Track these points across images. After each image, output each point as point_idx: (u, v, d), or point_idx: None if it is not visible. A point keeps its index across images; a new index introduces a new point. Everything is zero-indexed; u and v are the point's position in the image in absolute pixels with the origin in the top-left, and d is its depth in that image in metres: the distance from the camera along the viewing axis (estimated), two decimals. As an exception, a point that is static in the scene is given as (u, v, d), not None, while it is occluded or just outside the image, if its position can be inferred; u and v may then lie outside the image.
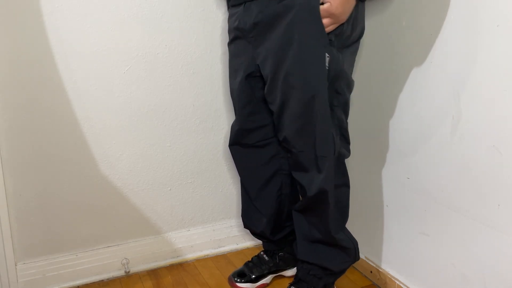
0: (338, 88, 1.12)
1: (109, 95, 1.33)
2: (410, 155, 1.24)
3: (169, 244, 1.53)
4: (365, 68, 1.37)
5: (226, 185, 1.59)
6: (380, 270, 1.39)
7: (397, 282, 1.32)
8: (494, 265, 1.03)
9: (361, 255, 1.48)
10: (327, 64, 1.06)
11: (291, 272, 1.44)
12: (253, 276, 1.40)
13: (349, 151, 1.23)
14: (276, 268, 1.43)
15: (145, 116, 1.40)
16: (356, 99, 1.42)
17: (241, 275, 1.41)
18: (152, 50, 1.35)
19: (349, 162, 1.47)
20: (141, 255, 1.50)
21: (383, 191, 1.36)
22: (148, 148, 1.43)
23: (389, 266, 1.37)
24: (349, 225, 1.53)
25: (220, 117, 1.51)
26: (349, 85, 1.16)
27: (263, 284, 1.41)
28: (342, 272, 1.29)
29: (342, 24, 1.06)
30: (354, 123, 1.45)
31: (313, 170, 1.15)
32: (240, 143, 1.32)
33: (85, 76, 1.29)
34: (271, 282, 1.44)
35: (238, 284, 1.39)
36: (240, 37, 1.19)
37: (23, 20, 1.19)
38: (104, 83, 1.32)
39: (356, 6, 1.07)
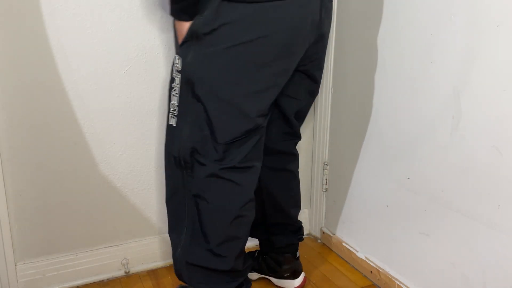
0: (196, 93, 1.02)
1: (109, 95, 1.33)
2: (410, 155, 1.24)
3: (169, 244, 1.52)
4: (365, 68, 1.37)
5: (226, 185, 1.59)
6: (380, 270, 1.39)
7: (397, 282, 1.32)
8: (494, 265, 1.03)
9: (361, 255, 1.48)
10: (179, 66, 1.02)
11: (278, 283, 1.41)
12: None
13: (201, 163, 1.06)
14: (259, 268, 1.42)
15: (145, 116, 1.40)
16: (356, 99, 1.42)
17: None
18: (152, 50, 1.35)
19: (350, 163, 1.47)
20: (141, 255, 1.50)
21: (383, 191, 1.36)
22: (148, 148, 1.43)
23: (389, 266, 1.37)
24: (349, 225, 1.53)
25: (220, 117, 1.51)
26: (212, 90, 1.01)
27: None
28: None
29: (195, 23, 0.99)
30: (354, 123, 1.45)
31: None
32: None
33: (85, 76, 1.29)
34: (257, 280, 1.44)
35: None
36: None
37: (23, 20, 1.19)
38: (104, 83, 1.32)
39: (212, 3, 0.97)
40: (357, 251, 1.50)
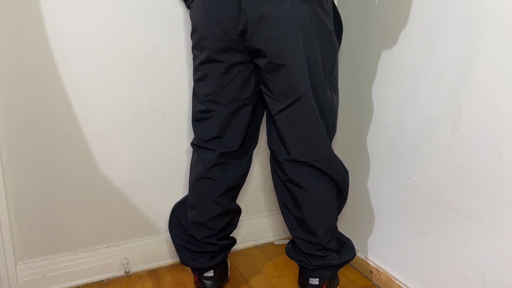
0: None
1: (109, 95, 1.33)
2: (410, 155, 1.24)
3: (169, 244, 1.53)
4: (364, 68, 1.37)
5: (226, 185, 1.59)
6: (380, 270, 1.39)
7: (397, 282, 1.32)
8: (494, 265, 1.03)
9: (361, 255, 1.48)
10: None
11: None
12: None
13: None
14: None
15: (145, 116, 1.40)
16: (356, 98, 1.42)
17: None
18: (152, 50, 1.35)
19: (350, 163, 1.47)
20: (141, 255, 1.50)
21: (383, 191, 1.36)
22: (148, 148, 1.43)
23: (389, 266, 1.37)
24: (349, 225, 1.53)
25: (220, 117, 1.51)
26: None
27: None
28: None
29: None
30: (354, 123, 1.45)
31: None
32: None
33: (85, 76, 1.29)
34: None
35: None
36: None
37: (23, 20, 1.19)
38: (104, 83, 1.32)
39: None
40: (357, 251, 1.50)
